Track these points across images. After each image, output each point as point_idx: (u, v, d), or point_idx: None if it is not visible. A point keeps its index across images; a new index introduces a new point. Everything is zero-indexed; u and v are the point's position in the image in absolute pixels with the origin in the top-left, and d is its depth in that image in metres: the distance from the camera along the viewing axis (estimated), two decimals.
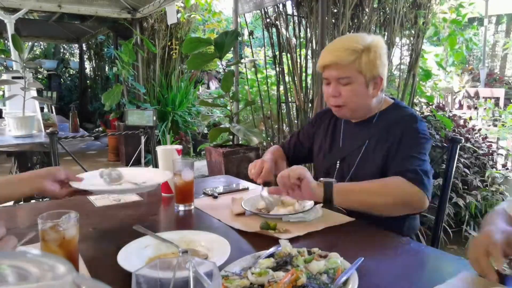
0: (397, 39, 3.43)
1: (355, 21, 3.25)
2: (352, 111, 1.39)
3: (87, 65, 10.73)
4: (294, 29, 3.72)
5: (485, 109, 4.55)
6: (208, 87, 8.69)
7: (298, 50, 3.68)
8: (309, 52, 3.47)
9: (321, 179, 1.20)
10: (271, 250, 0.91)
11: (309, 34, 3.43)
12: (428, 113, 3.54)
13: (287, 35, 3.76)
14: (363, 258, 0.87)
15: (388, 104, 1.44)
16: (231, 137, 4.22)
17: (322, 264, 0.83)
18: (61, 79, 11.24)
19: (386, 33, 3.33)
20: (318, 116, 1.63)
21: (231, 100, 4.11)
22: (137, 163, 2.91)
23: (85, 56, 10.45)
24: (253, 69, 4.73)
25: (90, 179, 1.22)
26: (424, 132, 1.34)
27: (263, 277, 0.78)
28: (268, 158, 1.46)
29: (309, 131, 1.62)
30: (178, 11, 5.71)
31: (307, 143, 1.61)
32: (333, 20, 3.16)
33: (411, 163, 1.25)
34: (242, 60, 4.56)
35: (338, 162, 1.45)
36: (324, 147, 1.52)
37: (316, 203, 1.28)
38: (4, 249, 0.80)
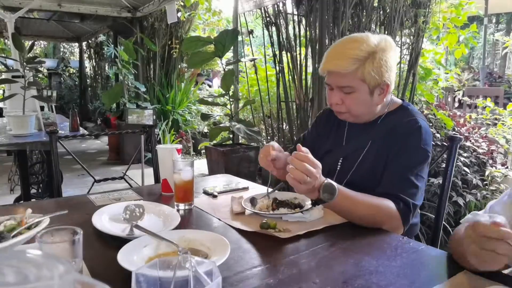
0: (397, 38, 3.43)
1: (355, 20, 3.25)
2: (355, 117, 1.35)
3: (87, 64, 10.74)
4: (294, 28, 3.72)
5: (484, 108, 4.55)
6: (211, 85, 8.68)
7: (298, 49, 3.68)
8: (309, 51, 3.46)
9: (326, 182, 1.11)
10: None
11: (309, 33, 3.43)
12: (428, 112, 3.54)
13: (287, 34, 3.76)
14: None
15: (396, 106, 1.38)
16: (231, 136, 4.22)
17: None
18: (61, 78, 11.26)
19: (386, 32, 3.33)
20: (320, 118, 1.59)
21: (231, 99, 4.11)
22: (137, 162, 2.91)
23: (85, 55, 10.45)
24: (253, 68, 4.73)
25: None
26: (426, 145, 1.26)
27: None
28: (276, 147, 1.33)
29: (313, 133, 1.59)
30: (178, 10, 5.71)
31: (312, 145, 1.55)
32: (333, 19, 3.16)
33: (407, 187, 1.21)
34: (242, 59, 4.55)
35: (340, 161, 1.41)
36: (327, 146, 1.48)
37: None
38: None
